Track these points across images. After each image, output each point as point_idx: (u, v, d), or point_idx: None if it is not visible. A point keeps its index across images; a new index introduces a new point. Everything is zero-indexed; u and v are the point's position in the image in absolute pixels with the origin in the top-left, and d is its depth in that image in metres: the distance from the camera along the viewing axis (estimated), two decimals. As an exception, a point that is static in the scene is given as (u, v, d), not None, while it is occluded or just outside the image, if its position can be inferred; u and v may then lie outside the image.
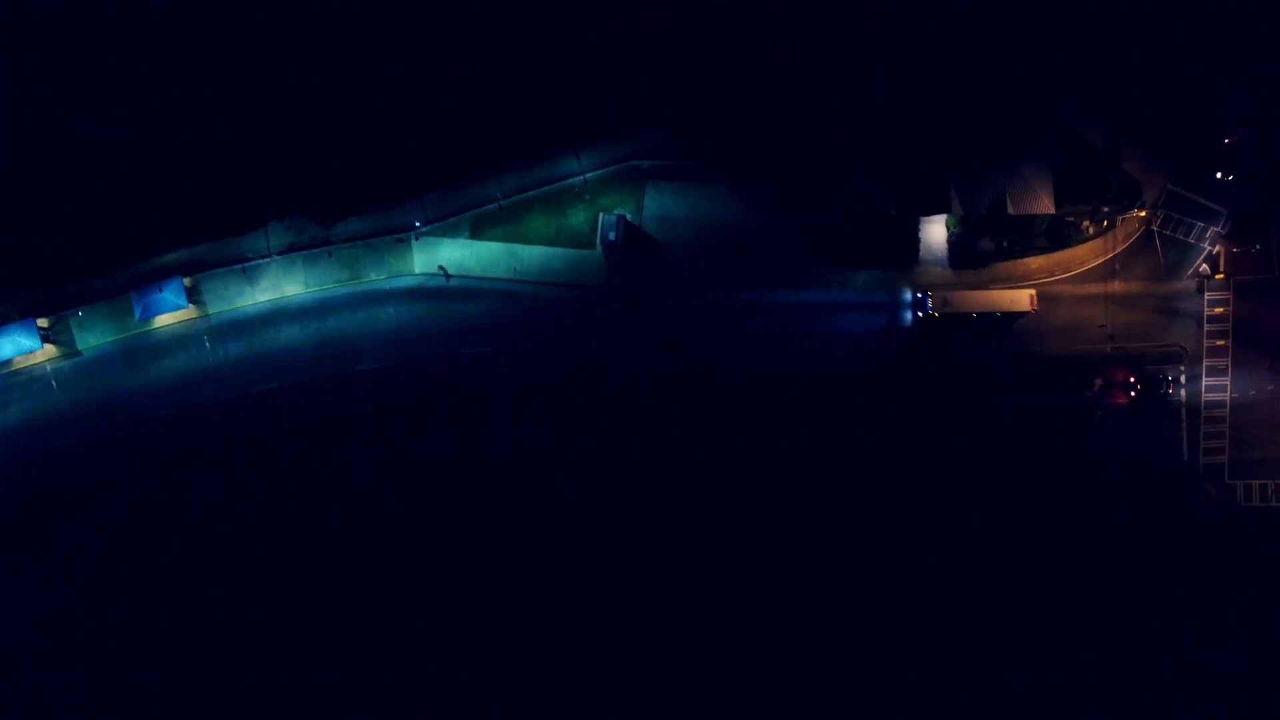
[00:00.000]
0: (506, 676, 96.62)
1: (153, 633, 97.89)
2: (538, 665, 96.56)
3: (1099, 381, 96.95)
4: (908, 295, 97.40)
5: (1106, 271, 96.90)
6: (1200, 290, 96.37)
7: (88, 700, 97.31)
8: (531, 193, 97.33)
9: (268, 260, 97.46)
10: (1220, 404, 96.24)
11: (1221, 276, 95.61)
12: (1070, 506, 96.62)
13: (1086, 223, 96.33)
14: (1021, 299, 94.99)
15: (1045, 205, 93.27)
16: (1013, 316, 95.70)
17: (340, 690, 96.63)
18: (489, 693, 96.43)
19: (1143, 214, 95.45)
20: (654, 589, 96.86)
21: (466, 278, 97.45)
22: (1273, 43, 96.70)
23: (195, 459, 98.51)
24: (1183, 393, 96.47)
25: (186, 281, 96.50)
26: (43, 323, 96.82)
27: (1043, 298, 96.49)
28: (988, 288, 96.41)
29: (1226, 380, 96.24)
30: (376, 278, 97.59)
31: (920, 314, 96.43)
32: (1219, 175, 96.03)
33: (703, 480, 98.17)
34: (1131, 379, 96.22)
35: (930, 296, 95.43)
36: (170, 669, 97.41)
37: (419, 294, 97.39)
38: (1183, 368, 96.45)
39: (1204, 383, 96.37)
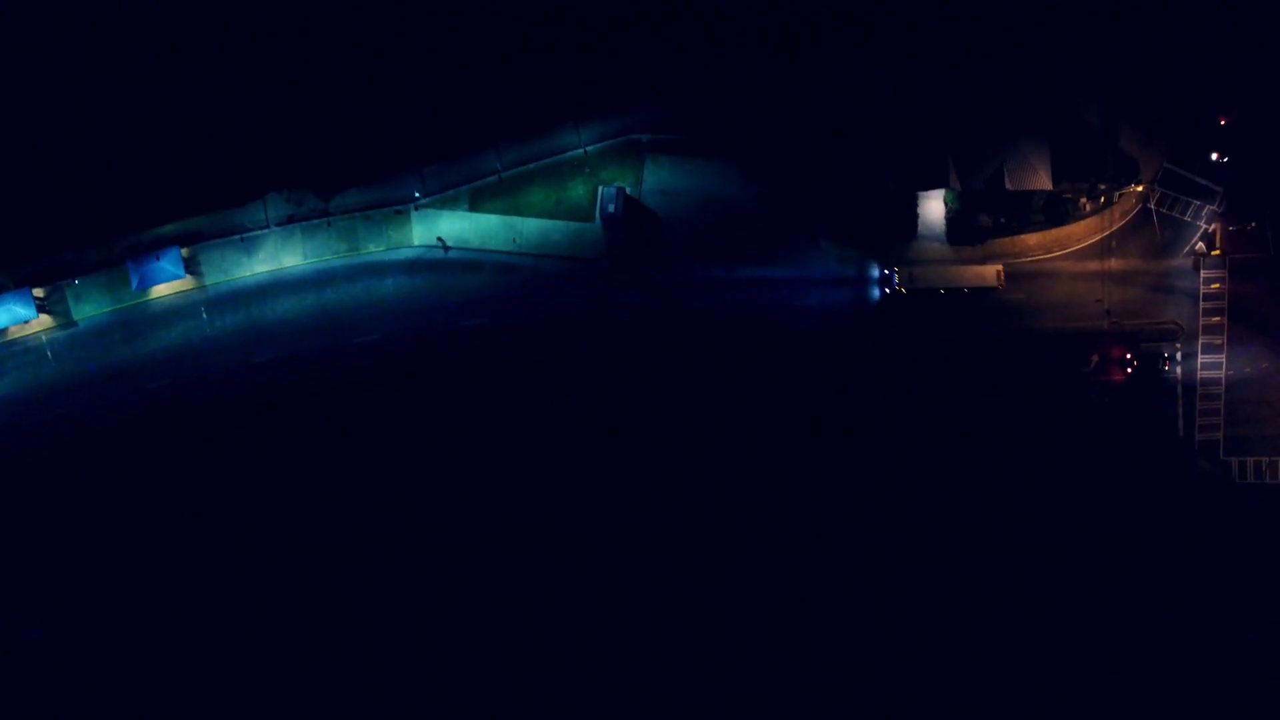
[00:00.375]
0: (504, 651, 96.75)
1: (147, 605, 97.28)
2: (534, 640, 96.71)
3: (1095, 358, 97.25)
4: (874, 271, 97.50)
5: (1103, 248, 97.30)
6: (1196, 268, 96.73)
7: (81, 675, 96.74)
8: (531, 165, 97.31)
9: (266, 231, 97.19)
10: (1216, 381, 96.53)
11: (1218, 253, 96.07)
12: (1066, 482, 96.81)
13: (1084, 200, 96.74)
14: (988, 274, 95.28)
15: (1043, 181, 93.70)
16: (981, 292, 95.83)
17: (337, 666, 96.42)
18: (487, 667, 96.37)
19: (1140, 189, 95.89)
20: (645, 562, 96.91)
21: (465, 250, 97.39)
22: (1269, 24, 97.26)
23: (191, 430, 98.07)
24: (1179, 370, 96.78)
25: (184, 252, 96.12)
26: (38, 292, 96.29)
27: (1040, 274, 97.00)
28: (983, 263, 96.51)
29: (1222, 357, 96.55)
30: (375, 249, 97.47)
31: (887, 290, 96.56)
32: (1214, 157, 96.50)
33: (696, 456, 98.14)
34: (1128, 355, 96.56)
35: (896, 273, 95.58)
36: (164, 642, 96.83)
37: (417, 266, 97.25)
38: (1179, 345, 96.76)
39: (1200, 360, 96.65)
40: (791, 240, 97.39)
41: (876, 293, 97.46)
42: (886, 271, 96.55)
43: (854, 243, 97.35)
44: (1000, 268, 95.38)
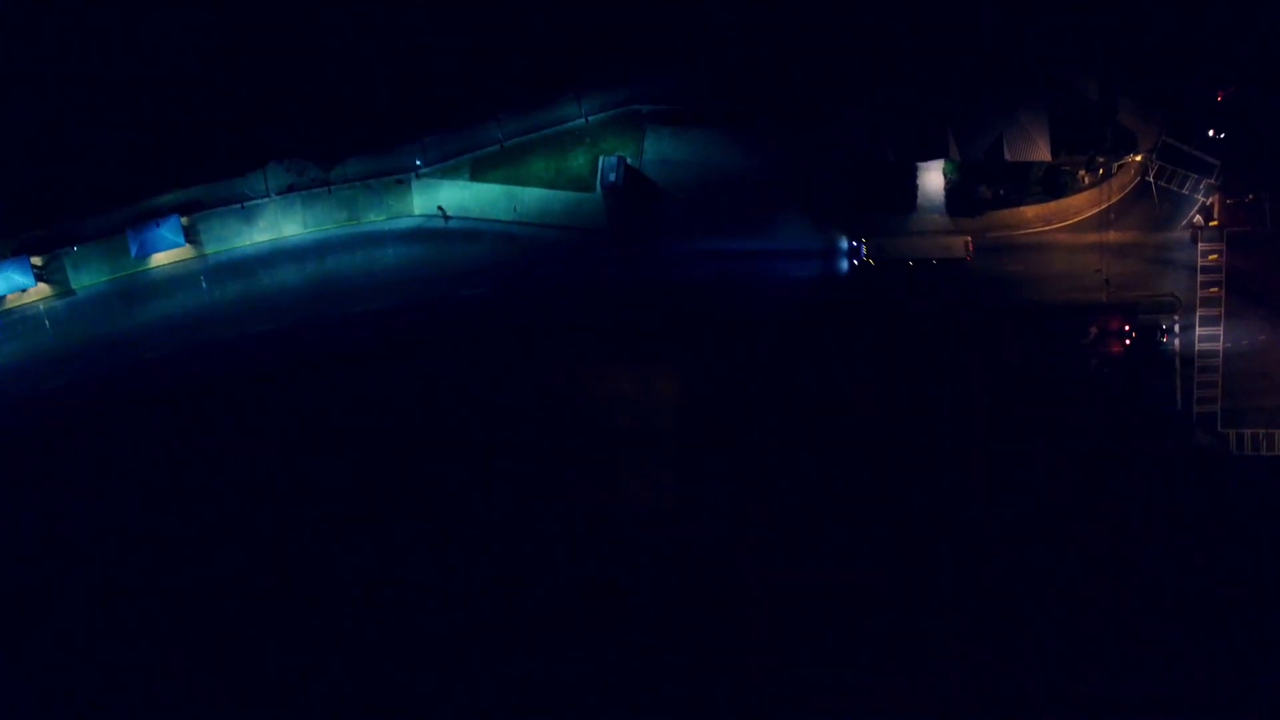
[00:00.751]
0: (499, 632, 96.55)
1: (142, 579, 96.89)
2: (530, 616, 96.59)
3: (1094, 330, 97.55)
4: (843, 243, 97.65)
5: (1102, 221, 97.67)
6: (1194, 240, 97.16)
7: (74, 652, 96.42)
8: (532, 135, 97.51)
9: (266, 200, 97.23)
10: (1213, 353, 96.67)
11: (1215, 224, 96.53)
12: (1063, 453, 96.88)
13: (1082, 172, 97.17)
14: (956, 246, 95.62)
15: (1042, 152, 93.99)
16: (950, 264, 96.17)
17: (331, 643, 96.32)
18: (484, 650, 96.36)
19: (1138, 159, 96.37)
20: (641, 537, 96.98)
21: (465, 219, 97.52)
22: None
23: (190, 400, 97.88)
24: (1176, 342, 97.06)
25: (184, 220, 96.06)
26: (36, 260, 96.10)
27: (1039, 247, 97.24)
28: (957, 234, 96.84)
29: (1219, 330, 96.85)
30: (375, 219, 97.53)
31: (856, 261, 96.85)
32: (1211, 133, 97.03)
33: (691, 432, 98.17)
34: (1127, 327, 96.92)
35: (865, 244, 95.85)
36: (160, 616, 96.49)
37: (418, 235, 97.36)
38: (1177, 317, 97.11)
39: (1197, 332, 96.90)
40: (791, 211, 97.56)
41: (853, 264, 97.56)
42: (855, 243, 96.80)
43: (853, 213, 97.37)
44: (969, 239, 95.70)
